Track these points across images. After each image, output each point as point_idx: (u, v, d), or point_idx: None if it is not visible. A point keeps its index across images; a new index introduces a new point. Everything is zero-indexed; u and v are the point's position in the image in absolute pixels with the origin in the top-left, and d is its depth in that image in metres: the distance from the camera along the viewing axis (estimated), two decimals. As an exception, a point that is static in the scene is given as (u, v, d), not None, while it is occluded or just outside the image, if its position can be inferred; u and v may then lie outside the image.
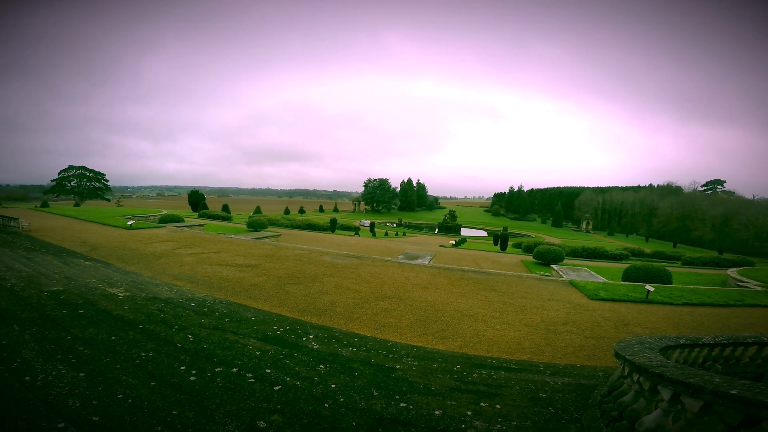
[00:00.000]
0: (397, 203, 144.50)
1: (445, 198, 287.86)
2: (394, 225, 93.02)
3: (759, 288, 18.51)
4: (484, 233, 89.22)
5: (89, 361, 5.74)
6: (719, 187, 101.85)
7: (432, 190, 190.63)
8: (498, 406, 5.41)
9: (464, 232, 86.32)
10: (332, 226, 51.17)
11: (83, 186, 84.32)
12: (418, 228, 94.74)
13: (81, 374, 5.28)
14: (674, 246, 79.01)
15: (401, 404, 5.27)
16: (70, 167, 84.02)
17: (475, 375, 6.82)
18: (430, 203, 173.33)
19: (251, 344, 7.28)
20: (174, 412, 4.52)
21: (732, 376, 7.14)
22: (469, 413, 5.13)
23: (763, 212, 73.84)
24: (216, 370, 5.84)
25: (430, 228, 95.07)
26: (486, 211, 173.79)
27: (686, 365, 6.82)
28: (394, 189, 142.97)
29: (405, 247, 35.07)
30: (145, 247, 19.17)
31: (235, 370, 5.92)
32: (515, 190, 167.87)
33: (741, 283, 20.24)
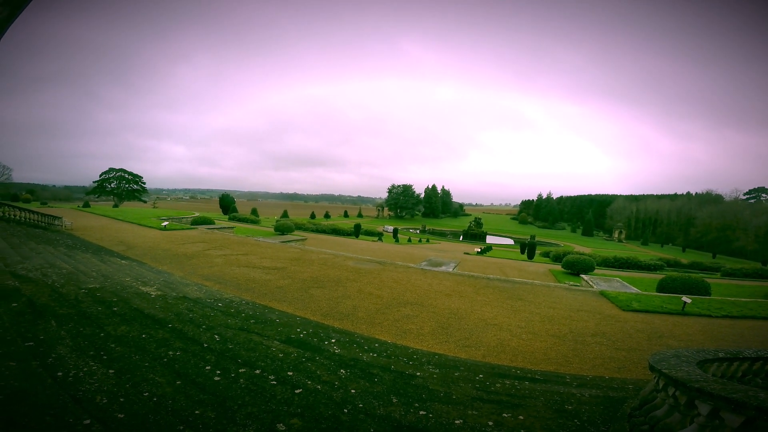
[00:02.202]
0: (421, 209, 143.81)
1: (470, 205, 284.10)
2: (418, 231, 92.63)
3: (808, 302, 17.26)
4: (510, 241, 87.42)
5: (119, 359, 5.87)
6: (763, 195, 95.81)
7: (457, 197, 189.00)
8: (521, 417, 5.27)
9: (490, 239, 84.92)
10: (356, 232, 51.50)
11: (122, 188, 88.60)
12: (442, 235, 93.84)
13: (111, 371, 5.39)
14: (713, 257, 74.94)
15: (420, 412, 5.21)
16: (111, 169, 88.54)
17: (498, 385, 6.67)
18: (455, 210, 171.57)
19: (275, 346, 7.38)
20: (197, 412, 4.56)
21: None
22: (490, 423, 5.02)
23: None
24: (240, 371, 5.92)
25: (454, 235, 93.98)
26: (513, 218, 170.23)
27: (725, 379, 6.45)
28: (418, 195, 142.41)
29: (428, 253, 34.83)
30: (178, 247, 19.91)
31: (258, 371, 5.98)
32: (543, 197, 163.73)
33: (788, 297, 18.93)
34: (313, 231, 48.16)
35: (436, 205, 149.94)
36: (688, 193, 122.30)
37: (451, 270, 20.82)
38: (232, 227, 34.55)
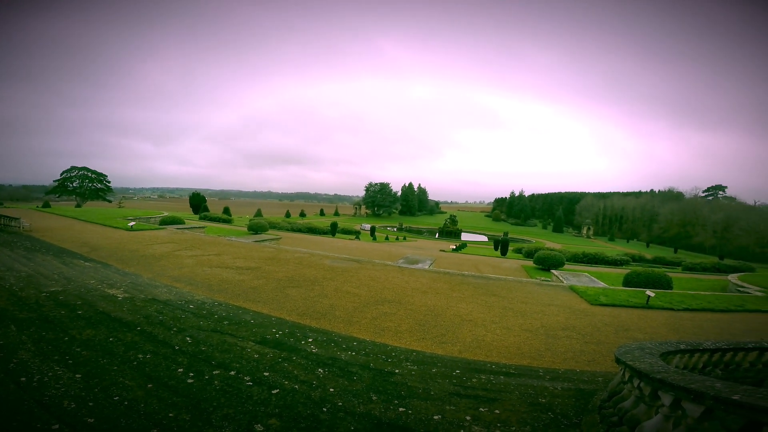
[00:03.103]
0: (398, 207, 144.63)
1: (446, 203, 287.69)
2: (395, 229, 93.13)
3: (760, 293, 18.45)
4: (484, 238, 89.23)
5: (86, 363, 5.72)
6: (720, 192, 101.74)
7: (433, 195, 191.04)
8: (497, 411, 5.38)
9: (465, 236, 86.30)
10: (333, 230, 51.16)
11: (85, 187, 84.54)
12: (418, 232, 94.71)
13: (77, 376, 5.26)
14: (675, 252, 78.84)
15: (400, 409, 5.25)
16: (73, 168, 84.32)
17: (474, 380, 6.79)
18: (431, 208, 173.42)
19: (250, 347, 7.26)
20: (170, 415, 4.50)
21: (732, 382, 7.11)
22: (468, 418, 5.10)
23: (764, 218, 73.75)
24: (214, 372, 5.82)
25: (430, 232, 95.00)
26: (487, 216, 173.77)
27: (686, 370, 6.79)
28: (395, 193, 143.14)
29: (405, 251, 35.03)
30: (146, 248, 19.18)
31: (233, 373, 5.89)
32: (516, 195, 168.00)
33: (742, 289, 20.18)
34: (288, 230, 47.45)
35: (413, 203, 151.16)
36: (651, 190, 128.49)
37: (427, 267, 21.01)
38: (204, 227, 33.56)
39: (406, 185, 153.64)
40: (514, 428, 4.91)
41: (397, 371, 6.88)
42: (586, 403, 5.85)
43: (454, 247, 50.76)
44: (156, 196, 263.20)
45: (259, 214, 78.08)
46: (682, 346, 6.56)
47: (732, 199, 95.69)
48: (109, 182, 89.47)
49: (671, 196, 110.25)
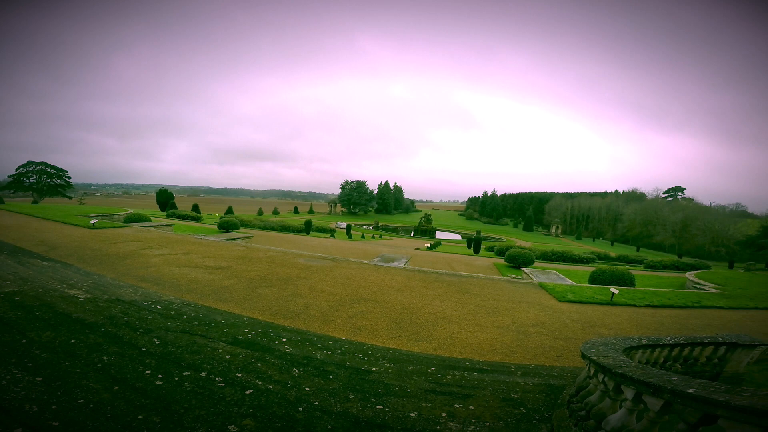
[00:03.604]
0: (374, 206, 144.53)
1: (421, 201, 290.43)
2: (371, 227, 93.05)
3: (714, 290, 19.63)
4: (458, 236, 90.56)
5: (46, 365, 5.47)
6: (680, 194, 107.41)
7: (408, 194, 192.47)
8: (471, 407, 5.47)
9: (439, 235, 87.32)
10: (307, 228, 50.48)
11: (43, 182, 79.71)
12: (394, 231, 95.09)
13: (38, 379, 5.04)
14: (637, 250, 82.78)
15: (377, 407, 5.25)
16: (30, 163, 79.32)
17: (449, 377, 6.88)
18: (407, 206, 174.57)
19: (221, 348, 7.07)
20: (139, 417, 4.38)
21: (690, 376, 7.52)
22: (443, 415, 5.16)
23: (719, 218, 78.67)
24: (183, 374, 5.65)
25: (406, 231, 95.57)
26: (460, 214, 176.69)
27: (648, 365, 7.12)
28: (371, 191, 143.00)
29: (381, 249, 35.08)
30: (109, 247, 18.29)
31: (203, 374, 5.74)
32: (488, 194, 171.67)
33: (698, 286, 21.40)
34: (260, 228, 46.45)
35: (389, 202, 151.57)
36: (616, 191, 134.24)
37: (402, 265, 21.12)
38: (171, 225, 32.34)
39: (383, 184, 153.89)
40: (488, 424, 5.00)
41: (374, 369, 6.88)
42: (556, 398, 6.03)
43: (429, 245, 51.24)
44: (120, 193, 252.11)
45: (230, 211, 76.06)
46: (644, 342, 6.88)
47: (690, 200, 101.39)
48: (69, 178, 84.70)
49: (634, 197, 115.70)
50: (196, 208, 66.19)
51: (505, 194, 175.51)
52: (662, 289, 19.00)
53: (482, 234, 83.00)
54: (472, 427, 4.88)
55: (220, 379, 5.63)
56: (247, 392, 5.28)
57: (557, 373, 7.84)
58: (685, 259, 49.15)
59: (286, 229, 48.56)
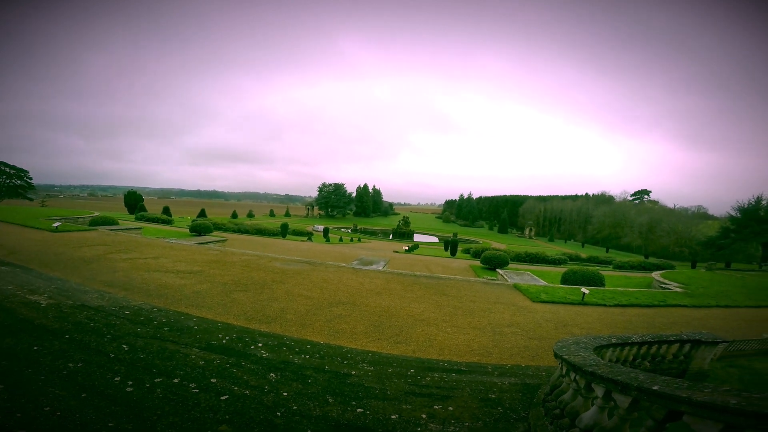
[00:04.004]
0: (353, 209, 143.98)
1: (399, 204, 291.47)
2: (349, 230, 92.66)
3: (679, 289, 20.58)
4: (435, 239, 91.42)
5: (8, 373, 5.22)
6: (646, 197, 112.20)
7: (387, 196, 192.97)
8: (451, 408, 5.51)
9: (417, 238, 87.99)
10: (283, 231, 49.73)
11: (1, 183, 75.16)
12: (373, 234, 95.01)
13: (0, 386, 4.81)
14: (607, 251, 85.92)
15: (358, 410, 5.21)
16: (-14, 162, 74.63)
17: (428, 378, 6.90)
18: (385, 209, 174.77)
19: (194, 354, 6.85)
20: (110, 424, 4.24)
21: (658, 372, 7.82)
22: (424, 416, 5.18)
23: (682, 220, 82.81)
24: (155, 380, 5.46)
25: (384, 234, 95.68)
26: (437, 217, 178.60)
27: (618, 363, 7.37)
28: (350, 194, 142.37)
29: (359, 252, 34.96)
30: (73, 251, 17.42)
31: (176, 380, 5.56)
32: (465, 197, 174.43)
33: (664, 285, 22.37)
34: (234, 231, 45.33)
35: (368, 205, 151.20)
36: (586, 194, 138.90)
37: (381, 268, 21.11)
38: (140, 228, 31.14)
39: (361, 186, 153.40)
40: (467, 424, 5.05)
41: (353, 372, 6.83)
42: (531, 397, 6.16)
43: (407, 248, 51.49)
44: (86, 195, 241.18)
45: (202, 214, 74.01)
46: (614, 340, 7.13)
47: (655, 202, 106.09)
48: (30, 179, 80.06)
49: (603, 200, 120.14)
50: (166, 210, 64.06)
51: (480, 197, 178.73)
52: (630, 289, 19.76)
53: (459, 236, 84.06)
54: (452, 427, 4.91)
55: (193, 385, 5.46)
56: (223, 398, 5.14)
57: (533, 372, 8.01)
58: (652, 260, 51.35)
59: (261, 232, 47.62)
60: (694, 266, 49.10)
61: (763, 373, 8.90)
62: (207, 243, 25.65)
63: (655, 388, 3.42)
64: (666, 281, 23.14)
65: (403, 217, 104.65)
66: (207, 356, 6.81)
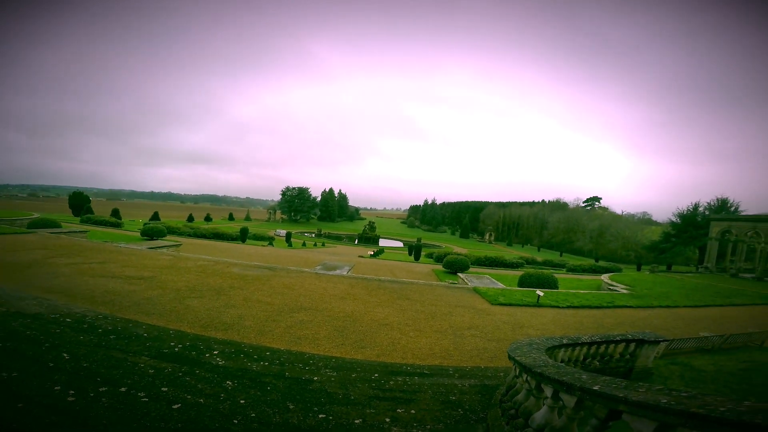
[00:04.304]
0: (317, 213, 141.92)
1: (365, 209, 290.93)
2: (313, 235, 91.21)
3: (625, 291, 21.98)
4: (400, 244, 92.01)
5: None
6: (597, 203, 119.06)
7: (353, 201, 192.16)
8: (413, 411, 5.53)
9: (382, 242, 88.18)
10: (243, 236, 48.06)
11: None
12: (338, 238, 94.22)
13: None
14: (561, 255, 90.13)
15: (320, 416, 5.11)
16: None
17: (392, 382, 6.91)
18: (351, 214, 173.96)
19: (143, 362, 6.46)
20: None
21: (606, 371, 8.24)
22: (387, 420, 5.16)
23: (629, 226, 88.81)
24: (100, 389, 5.12)
25: (350, 239, 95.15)
26: (402, 222, 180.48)
27: (570, 363, 7.70)
28: (314, 198, 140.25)
29: (323, 257, 34.52)
30: (8, 255, 15.94)
31: (123, 389, 5.23)
32: (429, 203, 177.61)
33: (612, 287, 23.82)
34: (190, 236, 43.29)
35: (333, 209, 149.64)
36: (542, 200, 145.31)
37: (345, 273, 20.94)
38: (86, 231, 29.03)
39: (327, 190, 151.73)
40: (429, 427, 5.09)
41: (315, 378, 6.70)
42: (490, 398, 6.31)
43: (373, 252, 51.47)
44: (25, 195, 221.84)
45: (156, 217, 70.15)
46: (565, 341, 7.41)
47: (605, 209, 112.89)
48: (-44, 176, 72.64)
49: (558, 206, 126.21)
50: (116, 213, 60.06)
51: (444, 203, 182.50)
52: (582, 291, 20.84)
53: (422, 241, 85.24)
54: (415, 431, 4.93)
55: (143, 394, 5.15)
56: (175, 407, 4.88)
57: (491, 373, 8.22)
58: (601, 263, 54.51)
59: (219, 236, 45.84)
60: (639, 269, 52.53)
61: (701, 369, 9.57)
62: (160, 248, 24.32)
63: (596, 388, 3.49)
64: (614, 283, 24.63)
65: (369, 222, 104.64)
66: (157, 364, 6.44)
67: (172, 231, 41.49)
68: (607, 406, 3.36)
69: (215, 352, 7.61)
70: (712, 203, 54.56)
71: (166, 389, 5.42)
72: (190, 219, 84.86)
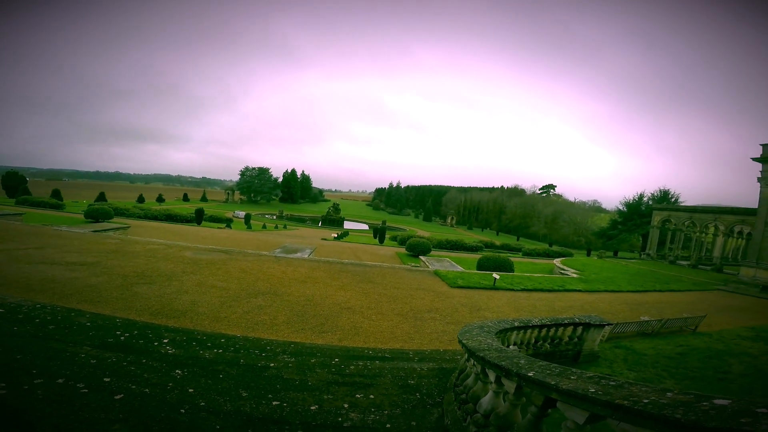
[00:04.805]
0: (279, 194, 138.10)
1: (330, 191, 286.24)
2: (275, 217, 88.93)
3: (575, 275, 23.22)
4: (365, 226, 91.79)
5: None
6: (552, 191, 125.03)
7: (317, 183, 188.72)
8: (372, 396, 5.54)
9: (347, 225, 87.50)
10: (198, 218, 45.82)
11: None
12: (301, 221, 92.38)
13: None
14: (518, 239, 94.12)
15: (274, 402, 5.00)
16: None
17: (352, 367, 6.89)
18: (315, 195, 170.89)
19: (84, 353, 6.05)
20: None
21: (556, 354, 8.61)
22: (345, 406, 5.14)
23: (580, 213, 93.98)
24: (35, 381, 4.79)
25: (314, 221, 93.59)
26: (368, 204, 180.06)
27: (522, 346, 7.97)
28: (276, 179, 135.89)
29: (284, 240, 33.75)
30: None
31: (61, 380, 4.92)
32: (394, 186, 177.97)
33: (563, 271, 25.09)
34: (140, 217, 40.70)
35: (296, 190, 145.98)
36: (501, 186, 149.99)
37: (306, 256, 20.62)
38: (21, 213, 26.55)
39: (289, 171, 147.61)
40: (386, 411, 5.12)
41: (272, 365, 6.56)
42: (446, 382, 6.44)
43: (337, 235, 51.04)
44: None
45: (102, 198, 65.33)
46: (516, 324, 7.59)
47: (559, 196, 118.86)
48: None
49: (516, 192, 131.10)
50: (56, 194, 55.29)
51: (408, 186, 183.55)
52: (535, 275, 21.80)
53: (387, 224, 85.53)
54: (372, 416, 4.94)
55: (82, 385, 4.87)
56: (117, 397, 4.65)
57: (449, 356, 8.42)
58: (555, 248, 57.28)
59: (172, 218, 43.44)
60: (588, 254, 55.88)
61: (643, 353, 10.28)
62: (105, 231, 22.74)
63: (530, 374, 3.37)
64: (565, 268, 25.98)
65: (333, 203, 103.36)
66: (100, 354, 6.06)
67: (121, 213, 38.86)
68: (543, 394, 3.26)
69: (165, 341, 7.25)
70: (655, 194, 58.53)
71: (108, 380, 5.13)
72: (141, 200, 79.89)
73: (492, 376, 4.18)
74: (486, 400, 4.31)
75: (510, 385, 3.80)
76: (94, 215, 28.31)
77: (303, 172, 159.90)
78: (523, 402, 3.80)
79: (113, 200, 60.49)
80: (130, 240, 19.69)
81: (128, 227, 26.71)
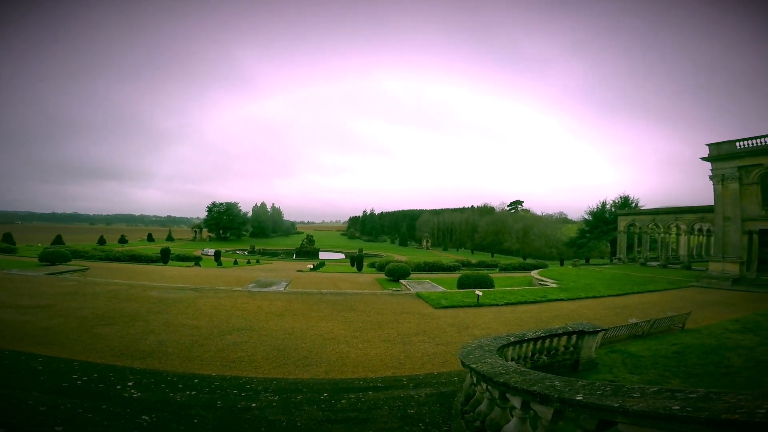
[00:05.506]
0: (249, 229, 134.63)
1: (303, 222, 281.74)
2: (246, 252, 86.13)
3: (554, 285, 23.38)
4: (342, 255, 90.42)
5: None
6: (520, 206, 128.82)
7: (288, 215, 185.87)
8: None
9: (323, 255, 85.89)
10: (164, 257, 43.53)
11: None
12: (274, 254, 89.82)
13: None
14: (492, 255, 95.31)
15: (259, 450, 4.37)
16: None
17: (343, 401, 6.32)
18: (287, 228, 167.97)
19: (32, 399, 5.32)
20: None
21: (554, 365, 8.34)
22: (341, 445, 4.57)
23: (549, 225, 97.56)
24: None
25: (287, 254, 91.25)
26: (342, 234, 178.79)
27: (519, 360, 7.67)
28: (245, 214, 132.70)
29: (258, 274, 32.45)
30: None
31: (2, 430, 4.20)
32: (368, 213, 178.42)
33: (542, 282, 25.25)
34: (101, 259, 38.20)
35: (266, 224, 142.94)
36: (472, 206, 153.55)
37: (282, 289, 19.73)
38: (-34, 258, 24.37)
39: (258, 205, 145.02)
40: (389, 446, 4.59)
41: (253, 405, 5.88)
42: (449, 407, 5.97)
43: (312, 266, 49.70)
44: None
45: (59, 240, 61.40)
46: (512, 339, 7.37)
47: (527, 211, 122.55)
48: None
49: (486, 211, 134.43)
50: (8, 237, 51.46)
51: (382, 212, 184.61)
52: (516, 288, 21.80)
53: (364, 251, 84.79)
54: (374, 452, 4.41)
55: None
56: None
57: (445, 379, 7.96)
58: (529, 261, 58.38)
59: (136, 259, 41.06)
60: (562, 264, 57.08)
61: (639, 355, 10.18)
62: (61, 273, 21.09)
63: (579, 398, 3.17)
64: (543, 278, 26.20)
65: (307, 235, 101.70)
66: (53, 401, 5.31)
67: (79, 255, 36.45)
68: (597, 417, 3.02)
69: (130, 383, 6.45)
70: (616, 200, 61.46)
71: (60, 428, 4.40)
72: (102, 242, 75.51)
73: (517, 402, 3.86)
74: (511, 428, 3.97)
75: (546, 411, 3.47)
76: (50, 258, 26.32)
77: (273, 204, 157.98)
78: (559, 427, 3.50)
79: (72, 243, 56.87)
80: (89, 281, 18.24)
81: (87, 269, 24.92)
